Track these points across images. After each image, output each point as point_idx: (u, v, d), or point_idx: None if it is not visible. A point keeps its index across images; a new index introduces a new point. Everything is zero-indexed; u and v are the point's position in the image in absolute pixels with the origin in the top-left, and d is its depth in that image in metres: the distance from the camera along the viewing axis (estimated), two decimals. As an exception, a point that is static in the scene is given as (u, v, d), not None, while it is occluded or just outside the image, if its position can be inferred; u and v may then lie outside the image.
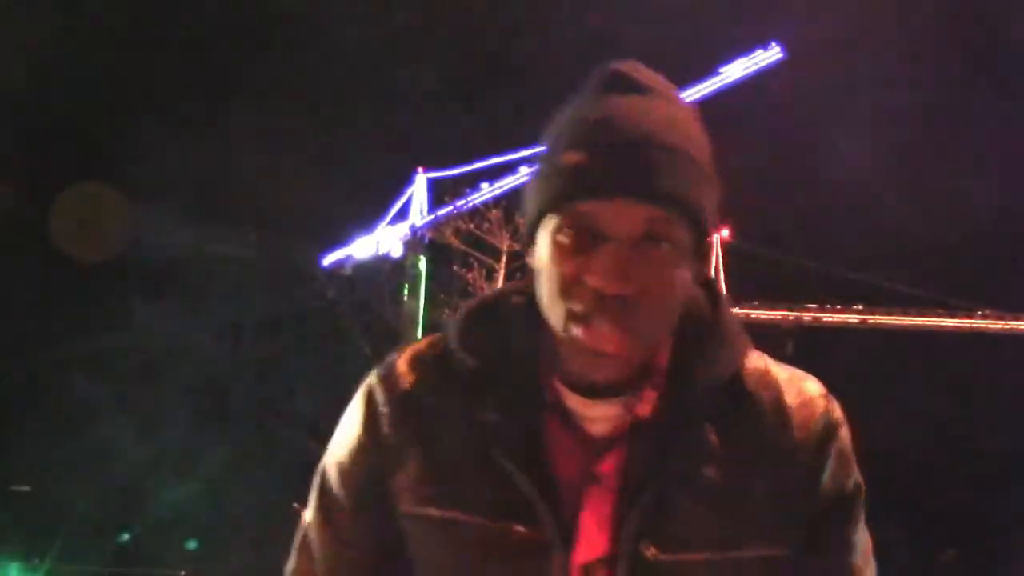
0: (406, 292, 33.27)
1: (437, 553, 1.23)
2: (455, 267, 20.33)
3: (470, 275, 19.50)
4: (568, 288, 1.14)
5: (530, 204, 1.22)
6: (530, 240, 1.23)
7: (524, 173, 29.70)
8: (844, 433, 1.26)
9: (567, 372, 1.21)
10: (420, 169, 36.52)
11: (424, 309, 30.53)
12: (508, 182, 27.78)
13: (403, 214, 38.47)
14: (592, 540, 1.17)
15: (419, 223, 36.51)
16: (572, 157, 1.15)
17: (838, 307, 46.72)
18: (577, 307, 1.13)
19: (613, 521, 1.17)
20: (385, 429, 1.26)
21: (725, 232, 52.44)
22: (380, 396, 1.28)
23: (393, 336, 25.72)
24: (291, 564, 1.34)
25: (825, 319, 44.70)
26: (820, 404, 1.25)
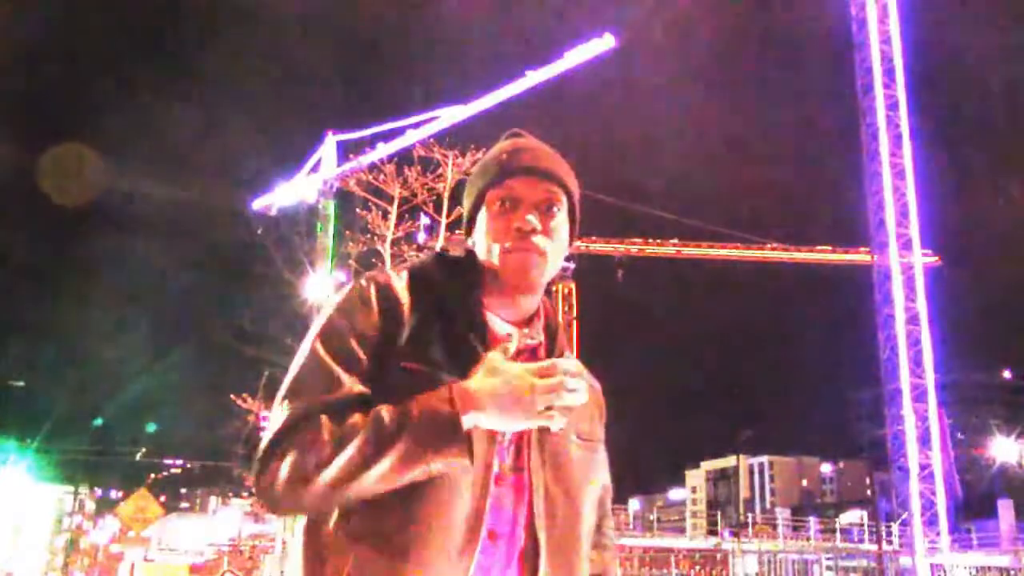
0: (319, 229, 37.40)
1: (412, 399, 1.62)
2: (357, 209, 22.34)
3: (369, 216, 21.55)
4: (502, 233, 1.74)
5: (472, 189, 1.83)
6: (471, 219, 1.84)
7: (410, 135, 33.99)
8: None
9: (492, 305, 1.78)
10: (330, 131, 40.86)
11: (333, 243, 34.62)
12: (398, 142, 32.44)
13: (317, 167, 42.42)
14: None
15: (329, 175, 40.39)
16: (501, 156, 1.81)
17: (658, 241, 57.41)
18: (507, 243, 1.74)
19: None
20: (395, 305, 1.72)
21: None
22: (389, 283, 1.75)
23: (308, 264, 29.04)
24: (293, 389, 1.66)
25: (648, 251, 56.93)
26: (595, 381, 2.00)
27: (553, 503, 1.75)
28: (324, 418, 1.61)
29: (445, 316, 1.75)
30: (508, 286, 1.78)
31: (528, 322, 1.84)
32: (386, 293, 1.75)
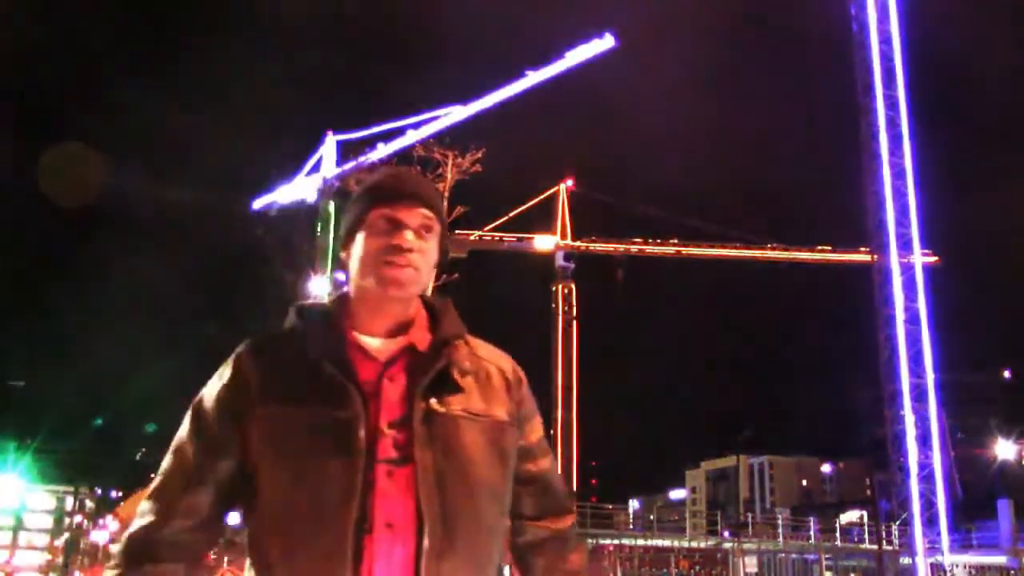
0: (319, 230, 37.37)
1: (274, 436, 1.87)
2: None
3: None
4: (382, 249, 1.95)
5: (356, 208, 2.03)
6: (349, 238, 2.04)
7: (410, 135, 34.06)
8: (525, 380, 2.12)
9: (360, 325, 1.99)
10: (330, 131, 40.88)
11: (333, 243, 34.59)
12: (398, 142, 32.53)
13: (317, 167, 42.51)
14: (391, 411, 1.89)
15: (329, 175, 40.43)
16: (386, 181, 2.06)
17: (658, 241, 59.36)
18: (386, 256, 1.95)
19: (405, 397, 1.91)
20: (256, 366, 1.95)
21: (570, 182, 60.55)
22: (253, 348, 1.99)
23: (308, 265, 29.03)
24: (165, 464, 1.97)
25: (648, 251, 58.44)
26: (512, 362, 2.13)
27: (445, 487, 1.87)
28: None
29: (302, 356, 1.95)
30: (379, 299, 2.00)
31: (403, 328, 2.03)
32: (246, 358, 1.99)
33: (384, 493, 1.84)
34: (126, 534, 1.96)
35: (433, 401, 1.91)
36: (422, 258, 2.00)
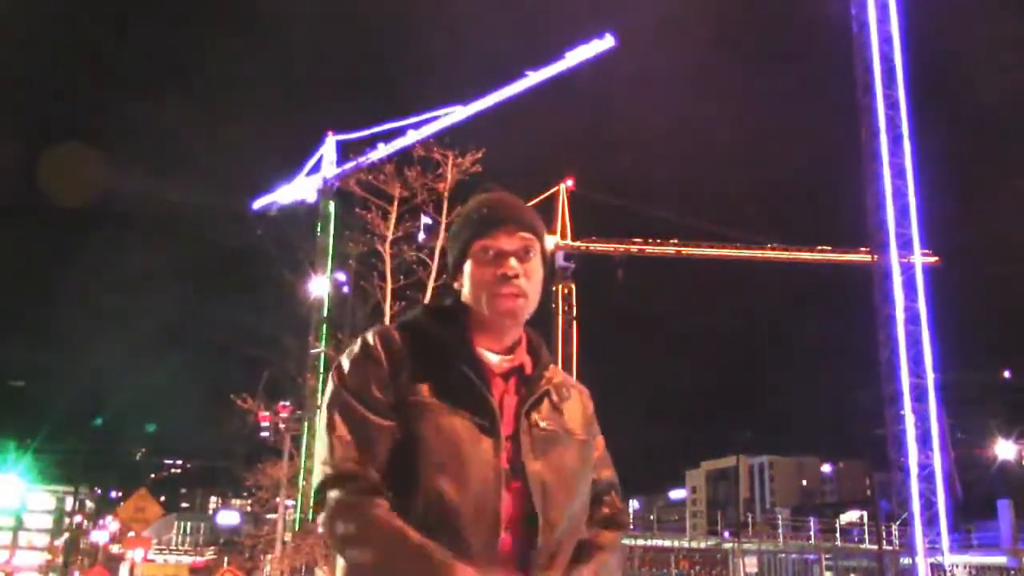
0: (319, 230, 37.36)
1: (428, 426, 2.00)
2: (357, 210, 22.21)
3: (369, 216, 21.27)
4: (488, 279, 2.10)
5: (458, 240, 2.18)
6: (457, 268, 2.19)
7: (410, 135, 34.09)
8: (592, 405, 2.33)
9: (480, 340, 2.13)
10: (329, 132, 40.92)
11: (333, 243, 34.69)
12: (398, 142, 32.55)
13: (317, 167, 42.57)
14: (507, 424, 2.07)
15: (329, 175, 40.54)
16: (483, 210, 2.16)
17: (658, 241, 60.14)
18: (494, 288, 2.09)
19: (515, 412, 2.09)
20: (398, 354, 2.07)
21: (570, 182, 61.30)
22: (391, 336, 2.11)
23: (308, 265, 29.08)
24: (334, 429, 2.03)
25: (648, 251, 59.68)
26: (584, 388, 2.33)
27: (550, 498, 2.05)
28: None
29: (440, 357, 2.08)
30: (496, 324, 2.12)
31: (512, 348, 2.18)
32: (388, 343, 2.09)
33: (504, 498, 2.02)
34: (334, 483, 2.00)
35: (536, 418, 2.12)
36: (528, 282, 2.13)
